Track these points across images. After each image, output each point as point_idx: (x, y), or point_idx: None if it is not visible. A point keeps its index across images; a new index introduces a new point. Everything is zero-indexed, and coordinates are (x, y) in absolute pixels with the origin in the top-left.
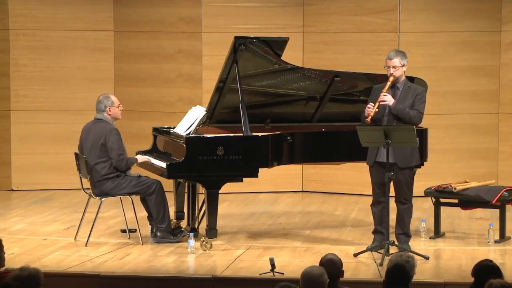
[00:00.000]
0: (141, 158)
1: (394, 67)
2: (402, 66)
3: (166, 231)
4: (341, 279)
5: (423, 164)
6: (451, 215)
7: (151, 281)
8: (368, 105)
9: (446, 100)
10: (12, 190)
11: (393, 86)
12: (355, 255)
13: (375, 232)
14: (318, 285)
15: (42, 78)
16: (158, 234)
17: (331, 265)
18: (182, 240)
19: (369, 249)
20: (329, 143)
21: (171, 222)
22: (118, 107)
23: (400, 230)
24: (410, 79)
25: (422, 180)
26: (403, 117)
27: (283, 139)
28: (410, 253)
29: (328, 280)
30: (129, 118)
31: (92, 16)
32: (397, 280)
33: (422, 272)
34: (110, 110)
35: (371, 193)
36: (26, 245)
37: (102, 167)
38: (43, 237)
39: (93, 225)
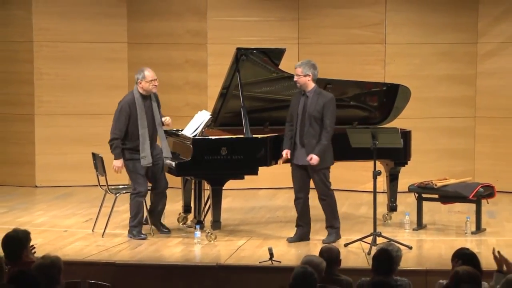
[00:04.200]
0: (117, 163)
1: (297, 75)
2: (305, 76)
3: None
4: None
5: (406, 163)
6: (432, 209)
7: (161, 269)
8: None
9: (427, 105)
10: (36, 186)
11: (304, 94)
12: (346, 245)
13: (296, 226)
14: (318, 272)
15: (63, 86)
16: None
17: (330, 254)
18: (188, 232)
19: (290, 241)
20: None
21: (179, 216)
22: (150, 82)
23: (327, 223)
24: (395, 86)
25: (406, 178)
26: (328, 142)
27: (281, 141)
28: (399, 246)
29: (325, 267)
30: None
31: (108, 30)
32: (383, 262)
33: (406, 260)
34: (140, 83)
35: (360, 190)
36: (48, 236)
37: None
38: (64, 229)
39: (109, 218)
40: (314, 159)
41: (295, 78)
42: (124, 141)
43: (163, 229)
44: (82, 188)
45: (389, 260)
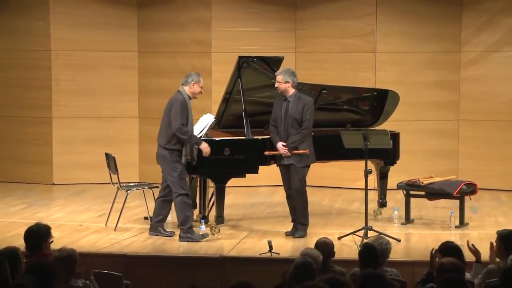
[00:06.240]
0: (205, 146)
1: (277, 82)
2: (285, 82)
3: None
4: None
5: (395, 162)
6: (419, 205)
7: (169, 260)
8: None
9: (414, 109)
10: (54, 184)
11: (285, 99)
12: (339, 238)
13: (293, 220)
14: (315, 264)
15: (78, 91)
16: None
17: (325, 246)
18: (194, 226)
19: (288, 235)
20: (317, 145)
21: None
22: (201, 87)
23: (298, 219)
24: (385, 92)
25: (395, 176)
26: (301, 141)
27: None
28: (388, 239)
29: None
30: (151, 124)
31: (120, 39)
32: (367, 258)
33: (395, 252)
34: (193, 86)
35: (352, 187)
36: (65, 230)
37: (166, 136)
38: (79, 223)
39: (120, 213)
40: (279, 147)
41: (276, 85)
42: (178, 142)
43: (164, 232)
44: (96, 185)
45: (374, 255)
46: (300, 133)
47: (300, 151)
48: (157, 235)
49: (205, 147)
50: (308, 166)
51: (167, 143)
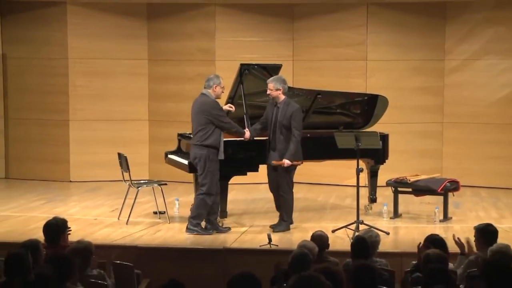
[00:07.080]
0: (248, 132)
1: (269, 89)
2: (277, 90)
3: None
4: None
5: (385, 162)
6: (406, 200)
7: (176, 251)
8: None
9: (402, 112)
10: (70, 181)
11: (275, 105)
12: (333, 231)
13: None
14: (311, 255)
15: (93, 96)
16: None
17: (320, 239)
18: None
19: (272, 227)
20: (312, 145)
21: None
22: (222, 88)
23: (281, 215)
24: (375, 96)
25: (384, 174)
26: (296, 147)
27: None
28: (377, 232)
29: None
30: (159, 126)
31: (131, 48)
32: (359, 250)
33: (384, 244)
34: (216, 88)
35: (346, 184)
36: (81, 223)
37: (200, 135)
38: (93, 217)
39: (132, 208)
40: (286, 163)
41: (268, 92)
42: (215, 140)
43: (221, 229)
44: (109, 182)
45: (365, 247)
46: (293, 143)
47: (295, 163)
48: (216, 232)
49: (247, 135)
50: (295, 168)
51: (204, 140)
